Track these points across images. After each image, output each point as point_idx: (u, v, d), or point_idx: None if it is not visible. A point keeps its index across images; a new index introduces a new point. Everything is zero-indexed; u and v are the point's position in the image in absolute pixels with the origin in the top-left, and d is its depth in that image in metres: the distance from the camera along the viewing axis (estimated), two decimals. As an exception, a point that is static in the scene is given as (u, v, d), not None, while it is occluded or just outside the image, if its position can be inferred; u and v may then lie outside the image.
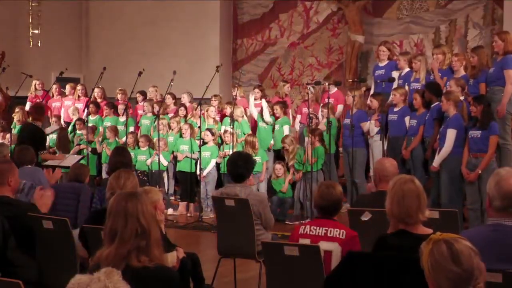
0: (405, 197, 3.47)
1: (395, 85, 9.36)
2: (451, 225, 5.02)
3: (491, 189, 3.38)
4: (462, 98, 8.14)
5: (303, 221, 8.97)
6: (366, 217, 5.17)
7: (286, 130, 10.31)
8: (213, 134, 10.12)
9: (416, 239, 3.43)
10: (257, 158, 9.32)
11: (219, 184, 10.05)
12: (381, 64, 9.89)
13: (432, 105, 8.56)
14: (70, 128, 11.73)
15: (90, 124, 11.26)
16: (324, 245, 4.14)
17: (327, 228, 4.22)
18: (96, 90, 11.97)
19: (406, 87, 9.26)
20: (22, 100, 12.73)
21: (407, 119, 8.97)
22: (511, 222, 3.33)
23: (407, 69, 9.42)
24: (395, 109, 9.09)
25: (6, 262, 4.35)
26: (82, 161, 9.03)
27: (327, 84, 10.23)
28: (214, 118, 10.69)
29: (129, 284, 2.45)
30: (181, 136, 10.49)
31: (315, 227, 4.26)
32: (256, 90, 11.12)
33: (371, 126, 9.27)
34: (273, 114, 10.46)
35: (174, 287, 3.11)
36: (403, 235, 3.49)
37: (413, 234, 3.47)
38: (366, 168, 9.78)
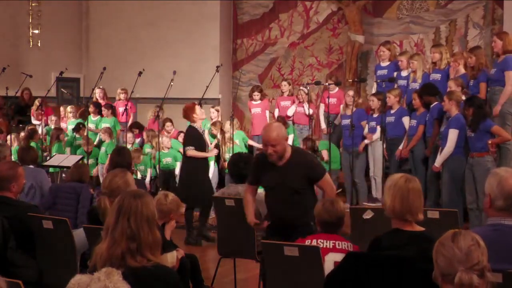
0: (410, 194, 3.48)
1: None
2: (451, 225, 5.01)
3: (493, 190, 3.37)
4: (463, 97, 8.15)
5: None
6: (368, 215, 5.18)
7: (290, 138, 10.26)
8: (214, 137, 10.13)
9: (408, 236, 3.45)
10: None
11: (220, 184, 10.04)
12: (383, 64, 9.88)
13: (432, 105, 8.57)
14: (70, 131, 11.66)
15: (91, 125, 11.28)
16: (333, 257, 4.14)
17: (334, 241, 4.24)
18: (97, 91, 11.96)
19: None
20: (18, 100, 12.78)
21: (405, 119, 8.98)
22: (511, 222, 3.34)
23: (410, 69, 9.45)
24: (392, 111, 9.11)
25: (6, 262, 4.35)
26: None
27: (327, 84, 10.24)
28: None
29: (129, 284, 2.45)
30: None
31: (322, 240, 4.25)
32: (255, 92, 11.09)
33: (373, 135, 9.33)
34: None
35: (173, 286, 3.10)
36: (395, 234, 3.51)
37: (405, 231, 3.49)
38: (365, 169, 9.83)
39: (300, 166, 4.94)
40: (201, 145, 8.10)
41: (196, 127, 8.12)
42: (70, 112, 12.03)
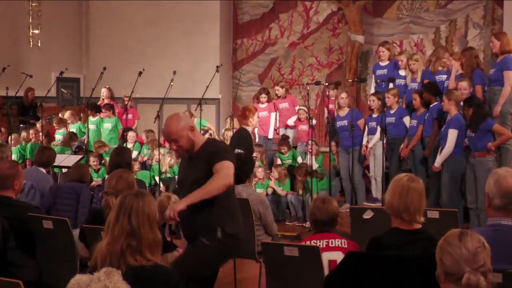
0: (409, 193, 3.49)
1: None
2: (451, 225, 5.02)
3: (490, 189, 3.39)
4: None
5: (304, 224, 8.98)
6: (368, 215, 5.18)
7: (299, 160, 10.23)
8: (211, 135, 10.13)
9: (407, 235, 3.47)
10: None
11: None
12: (383, 64, 9.88)
13: (432, 105, 8.58)
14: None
15: (92, 126, 11.27)
16: (327, 255, 4.15)
17: (327, 240, 4.24)
18: (103, 90, 11.95)
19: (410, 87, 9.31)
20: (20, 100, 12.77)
21: (406, 119, 9.00)
22: (511, 222, 3.34)
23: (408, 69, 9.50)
24: (391, 111, 9.12)
25: (6, 262, 4.35)
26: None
27: (327, 84, 10.24)
28: None
29: (129, 284, 2.45)
30: None
31: (315, 241, 4.27)
32: (263, 94, 11.05)
33: (373, 139, 9.33)
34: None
35: (173, 286, 3.11)
36: (394, 233, 3.53)
37: (404, 230, 3.50)
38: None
39: (207, 154, 4.07)
40: (251, 150, 7.53)
41: (249, 130, 7.58)
42: (69, 119, 11.93)
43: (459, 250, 2.49)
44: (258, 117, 10.78)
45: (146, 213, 3.09)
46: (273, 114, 10.96)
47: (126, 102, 11.24)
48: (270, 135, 10.79)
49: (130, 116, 11.21)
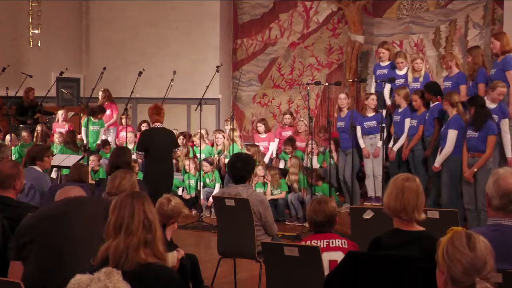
0: (404, 193, 3.50)
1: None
2: (451, 225, 5.00)
3: (490, 189, 3.39)
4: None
5: (304, 224, 8.98)
6: (368, 215, 5.18)
7: (281, 164, 10.25)
8: (211, 164, 10.09)
9: (408, 236, 3.46)
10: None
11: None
12: (383, 64, 9.89)
13: (432, 105, 8.59)
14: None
15: (94, 127, 11.26)
16: (327, 255, 4.15)
17: (328, 240, 4.24)
18: (100, 93, 11.94)
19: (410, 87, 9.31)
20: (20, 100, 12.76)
21: (407, 120, 8.99)
22: (511, 222, 3.34)
23: (406, 68, 9.50)
24: (399, 110, 9.11)
25: (6, 262, 4.35)
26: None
27: (327, 84, 10.23)
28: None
29: (130, 283, 2.45)
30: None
31: (316, 241, 4.27)
32: (259, 124, 11.04)
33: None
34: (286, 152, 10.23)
35: (175, 286, 3.11)
36: (396, 234, 3.52)
37: (405, 231, 3.50)
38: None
39: None
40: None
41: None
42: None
43: (470, 258, 2.41)
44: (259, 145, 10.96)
45: (153, 211, 3.18)
46: (272, 144, 10.94)
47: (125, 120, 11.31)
48: (266, 160, 10.75)
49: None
